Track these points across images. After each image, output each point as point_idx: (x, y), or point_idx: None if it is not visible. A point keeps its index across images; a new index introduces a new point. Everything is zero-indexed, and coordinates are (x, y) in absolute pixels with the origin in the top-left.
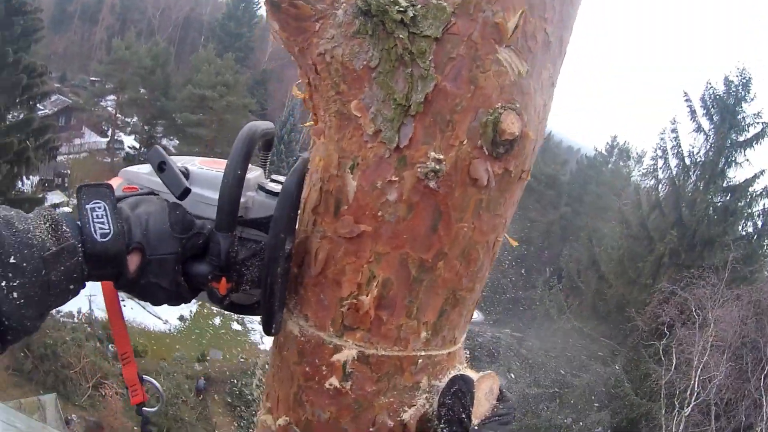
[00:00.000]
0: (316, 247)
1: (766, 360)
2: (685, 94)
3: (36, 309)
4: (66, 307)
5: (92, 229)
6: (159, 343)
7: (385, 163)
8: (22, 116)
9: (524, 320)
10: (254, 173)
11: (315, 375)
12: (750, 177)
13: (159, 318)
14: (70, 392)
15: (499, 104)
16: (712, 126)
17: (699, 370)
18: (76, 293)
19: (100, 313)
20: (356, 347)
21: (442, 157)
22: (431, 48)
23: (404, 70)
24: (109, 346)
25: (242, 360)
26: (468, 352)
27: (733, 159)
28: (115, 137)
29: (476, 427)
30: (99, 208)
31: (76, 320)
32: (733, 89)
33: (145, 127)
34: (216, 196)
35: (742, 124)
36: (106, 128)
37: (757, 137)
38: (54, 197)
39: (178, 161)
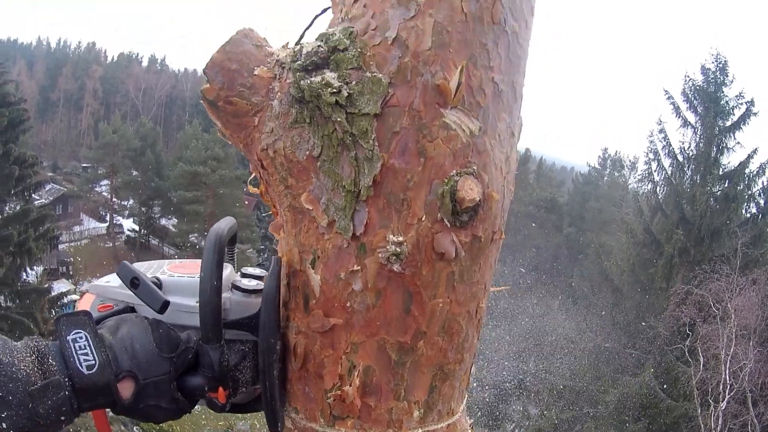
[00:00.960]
0: (293, 341)
1: None
2: (666, 92)
3: None
4: None
5: (77, 362)
6: (183, 419)
7: (345, 253)
8: (19, 207)
9: (546, 347)
10: (225, 271)
11: None
12: (744, 159)
13: None
14: None
15: (454, 171)
16: (697, 118)
17: (728, 362)
18: (69, 422)
19: None
20: None
21: (401, 239)
22: (372, 126)
23: (348, 154)
24: None
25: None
26: (494, 390)
27: (725, 145)
28: (114, 221)
29: None
30: (80, 338)
31: None
32: (712, 76)
33: (143, 209)
34: (193, 302)
35: (727, 108)
36: (103, 213)
37: (744, 118)
38: (60, 286)
39: (147, 270)
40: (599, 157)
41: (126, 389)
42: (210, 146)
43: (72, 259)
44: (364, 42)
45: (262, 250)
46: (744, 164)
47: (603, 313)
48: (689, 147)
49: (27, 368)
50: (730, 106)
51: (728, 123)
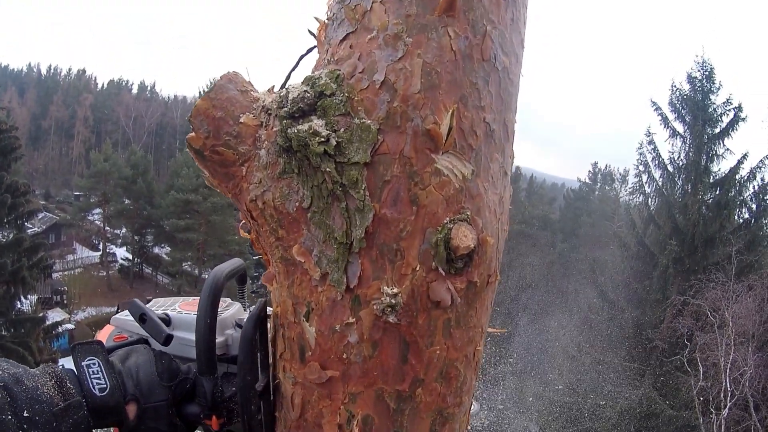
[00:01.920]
0: (290, 392)
1: None
2: (654, 103)
3: None
4: None
5: (90, 385)
6: None
7: (339, 305)
8: (12, 236)
9: (544, 365)
10: (232, 310)
11: None
12: (734, 165)
13: None
14: None
15: (447, 218)
16: (686, 127)
17: (728, 370)
18: None
19: None
20: None
21: (396, 290)
22: (363, 175)
23: (339, 205)
24: None
25: None
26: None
27: (714, 153)
28: (107, 250)
29: None
30: (94, 364)
31: None
32: (698, 84)
33: (135, 237)
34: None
35: (715, 116)
36: (96, 242)
37: (732, 124)
38: (55, 315)
39: (161, 307)
40: (589, 171)
41: (131, 411)
42: (201, 174)
43: (66, 288)
44: (351, 86)
45: (256, 277)
46: (734, 170)
47: (600, 327)
48: (679, 157)
49: (49, 391)
50: (718, 113)
51: (717, 130)
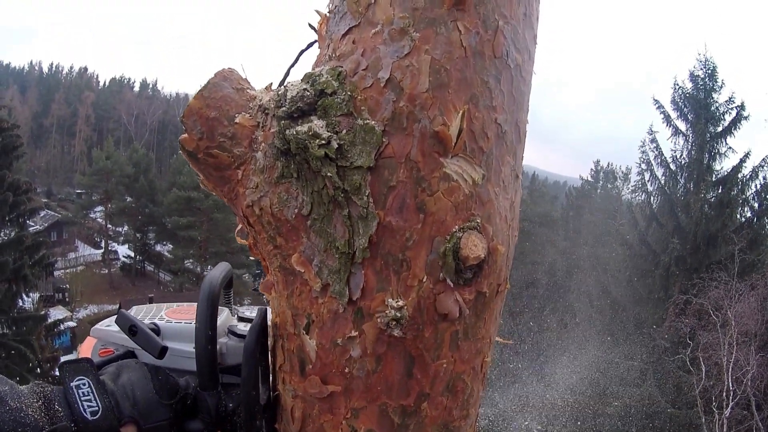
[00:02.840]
0: (290, 404)
1: None
2: (656, 101)
3: None
4: None
5: (81, 408)
6: None
7: (341, 318)
8: (13, 234)
9: (547, 364)
10: (221, 316)
11: None
12: (736, 164)
13: None
14: None
15: (456, 226)
16: (688, 125)
17: (730, 369)
18: None
19: None
20: None
21: (401, 303)
22: (366, 180)
23: (340, 212)
24: None
25: None
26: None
27: (716, 151)
28: (109, 248)
29: None
30: (84, 385)
31: None
32: (701, 83)
33: (137, 235)
34: (190, 347)
35: (717, 114)
36: (98, 240)
37: (734, 123)
38: (57, 313)
39: (145, 316)
40: (591, 169)
41: None
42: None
43: (68, 285)
44: (354, 84)
45: (258, 275)
46: (737, 169)
47: (602, 325)
48: (681, 155)
49: (35, 414)
50: (721, 112)
51: (719, 129)
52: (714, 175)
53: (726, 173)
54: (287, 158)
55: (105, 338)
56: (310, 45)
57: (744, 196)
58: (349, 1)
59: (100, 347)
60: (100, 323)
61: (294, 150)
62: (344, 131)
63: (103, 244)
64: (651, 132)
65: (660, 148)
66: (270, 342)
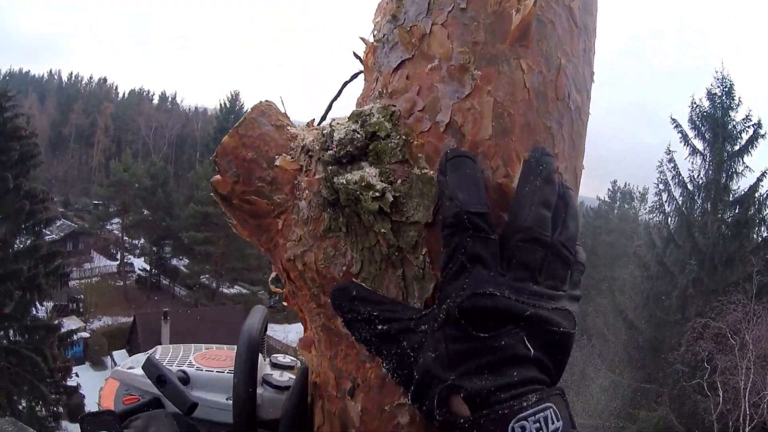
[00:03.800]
0: None
1: None
2: (674, 120)
3: None
4: None
5: None
6: None
7: (390, 384)
8: (29, 242)
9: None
10: None
11: None
12: (753, 183)
13: None
14: None
15: None
16: (705, 144)
17: (747, 394)
18: None
19: None
20: None
21: None
22: (423, 237)
23: (394, 272)
24: None
25: None
26: None
27: (734, 170)
28: (125, 260)
29: None
30: None
31: None
32: (718, 101)
33: (154, 248)
34: (223, 399)
35: (734, 133)
36: (114, 251)
37: (751, 141)
38: (70, 323)
39: (173, 360)
40: (609, 189)
41: None
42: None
43: (82, 296)
44: (410, 127)
45: (274, 293)
46: (753, 188)
47: (618, 347)
48: (699, 175)
49: None
50: (738, 130)
51: (736, 147)
52: (731, 195)
53: (743, 193)
54: (335, 210)
55: (128, 382)
56: (355, 76)
57: (761, 216)
58: (400, 30)
59: (123, 393)
60: (122, 364)
61: (343, 202)
62: (399, 181)
63: (118, 256)
64: (669, 152)
65: (678, 168)
66: (309, 399)
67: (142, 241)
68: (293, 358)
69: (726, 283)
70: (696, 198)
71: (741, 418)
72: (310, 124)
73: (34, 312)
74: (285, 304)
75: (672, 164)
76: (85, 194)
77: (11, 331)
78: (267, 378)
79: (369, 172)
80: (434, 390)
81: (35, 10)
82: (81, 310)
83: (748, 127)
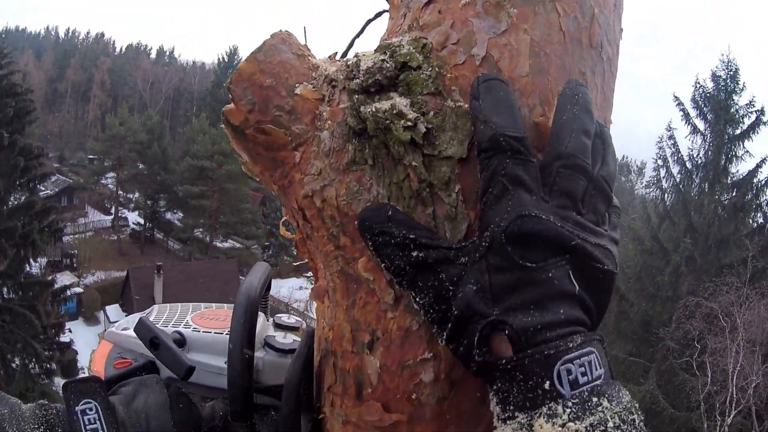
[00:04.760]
0: (338, 428)
1: None
2: (676, 98)
3: None
4: None
5: None
6: None
7: (415, 337)
8: (23, 199)
9: None
10: (257, 326)
11: None
12: (753, 168)
13: None
14: None
15: None
16: (707, 125)
17: (735, 376)
18: None
19: None
20: None
21: None
22: (456, 174)
23: (423, 210)
24: None
25: None
26: None
27: (734, 154)
28: (119, 214)
29: None
30: (90, 410)
31: None
32: (722, 83)
33: (148, 202)
34: (221, 362)
35: (736, 117)
36: (108, 206)
37: (753, 127)
38: (64, 278)
39: (169, 320)
40: None
41: None
42: (217, 140)
43: (76, 251)
44: (442, 59)
45: (267, 247)
46: (752, 173)
47: (608, 318)
48: (698, 154)
49: None
50: (740, 115)
51: (738, 131)
52: (729, 178)
53: (742, 177)
54: (361, 141)
55: (122, 344)
56: (379, 14)
57: (758, 202)
58: None
59: (115, 356)
60: (115, 325)
61: (371, 131)
62: (432, 113)
63: (113, 211)
64: (670, 128)
65: (677, 146)
66: (316, 358)
67: (137, 195)
68: (298, 319)
69: (719, 264)
70: (694, 177)
71: (728, 401)
72: (332, 57)
73: (28, 268)
74: (295, 252)
75: (672, 141)
76: (80, 149)
77: (5, 289)
78: (269, 340)
79: (400, 102)
80: (475, 327)
81: None
82: (75, 265)
83: (751, 112)
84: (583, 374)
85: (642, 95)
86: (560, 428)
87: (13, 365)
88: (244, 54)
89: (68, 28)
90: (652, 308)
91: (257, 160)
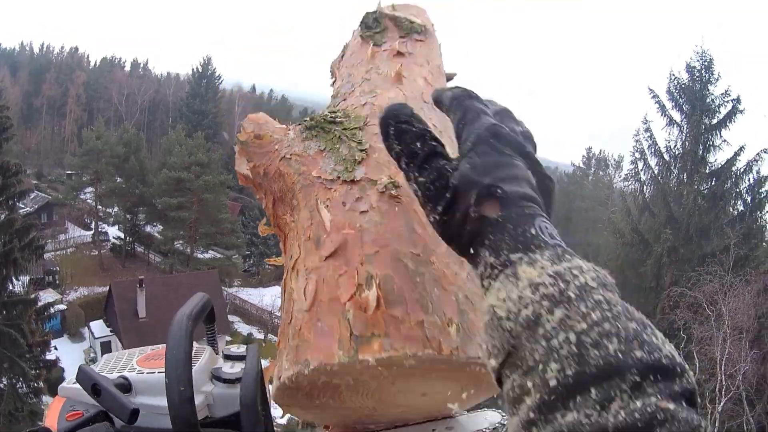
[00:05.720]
0: (302, 286)
1: None
2: (651, 90)
3: None
4: None
5: None
6: None
7: (350, 192)
8: (3, 217)
9: None
10: (204, 359)
11: None
12: (731, 157)
13: None
14: None
15: None
16: (683, 116)
17: (723, 364)
18: None
19: None
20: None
21: (395, 179)
22: (359, 132)
23: (345, 142)
24: None
25: None
26: None
27: (711, 143)
28: (99, 229)
29: None
30: None
31: None
32: (697, 74)
33: (127, 216)
34: (164, 402)
35: (712, 106)
36: (88, 221)
37: (729, 116)
38: (47, 296)
39: (115, 367)
40: (583, 156)
41: None
42: (193, 151)
43: (58, 268)
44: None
45: (247, 256)
46: (731, 162)
47: None
48: (675, 146)
49: None
50: (716, 104)
51: (714, 121)
52: (708, 167)
53: (720, 166)
54: (310, 130)
55: (73, 397)
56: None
57: (737, 190)
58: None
59: (68, 409)
60: (66, 381)
61: (316, 124)
62: (341, 113)
63: (93, 226)
64: (645, 121)
65: (654, 138)
66: (288, 269)
67: (116, 209)
68: (247, 346)
69: (701, 253)
70: (672, 168)
71: (717, 389)
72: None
73: (11, 287)
74: (266, 261)
75: (648, 134)
76: (58, 165)
77: None
78: (216, 372)
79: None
80: (471, 193)
81: None
82: (57, 282)
83: (727, 101)
84: (550, 234)
85: (616, 88)
86: (540, 269)
87: (1, 385)
88: (217, 64)
89: (42, 43)
90: (636, 300)
91: (254, 158)
